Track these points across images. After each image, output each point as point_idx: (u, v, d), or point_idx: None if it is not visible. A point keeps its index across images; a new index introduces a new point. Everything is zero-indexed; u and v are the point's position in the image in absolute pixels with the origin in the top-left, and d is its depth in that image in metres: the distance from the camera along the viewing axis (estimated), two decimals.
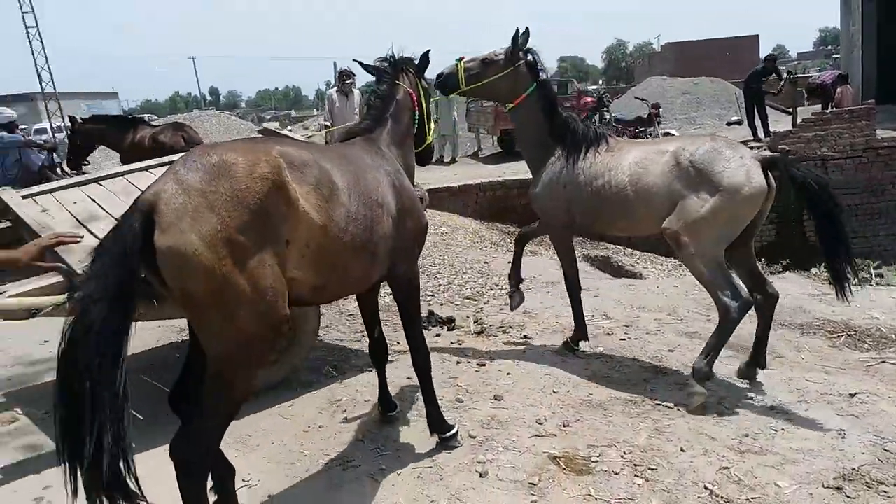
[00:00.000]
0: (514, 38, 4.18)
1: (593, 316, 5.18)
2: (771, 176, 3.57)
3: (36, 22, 24.09)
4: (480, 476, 2.94)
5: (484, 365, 4.22)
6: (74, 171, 8.49)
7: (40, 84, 25.29)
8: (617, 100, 22.28)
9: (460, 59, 4.33)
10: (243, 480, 2.97)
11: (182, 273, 1.95)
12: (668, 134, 13.75)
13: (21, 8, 22.91)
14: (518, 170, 13.21)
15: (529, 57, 4.21)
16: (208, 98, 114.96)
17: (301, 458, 3.18)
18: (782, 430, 3.35)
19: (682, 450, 3.15)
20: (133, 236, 1.92)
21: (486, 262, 6.99)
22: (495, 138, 17.15)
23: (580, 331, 4.48)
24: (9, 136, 8.08)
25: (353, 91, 9.36)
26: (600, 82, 64.05)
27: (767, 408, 3.60)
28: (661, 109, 14.31)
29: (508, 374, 4.07)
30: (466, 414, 3.55)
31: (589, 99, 18.01)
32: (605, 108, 17.99)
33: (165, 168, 2.51)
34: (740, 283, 3.70)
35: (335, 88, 9.70)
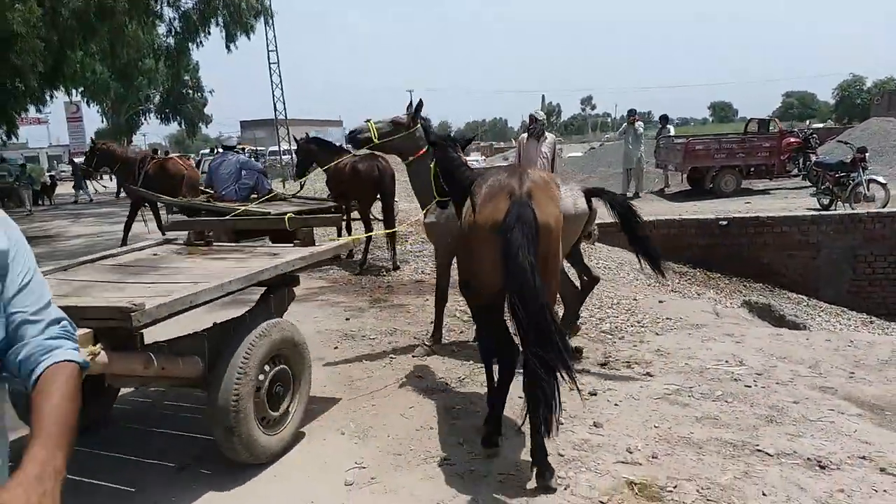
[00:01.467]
0: (417, 108, 5.23)
1: (726, 361, 5.15)
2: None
3: (277, 59, 27.73)
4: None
5: (595, 394, 4.46)
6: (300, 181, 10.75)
7: (275, 112, 29.03)
8: (831, 141, 20.45)
9: (369, 120, 5.35)
10: (355, 463, 3.57)
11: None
12: (874, 181, 12.57)
13: (268, 47, 26.53)
14: (702, 209, 12.91)
15: (423, 123, 5.22)
16: None
17: (407, 452, 3.70)
18: (884, 491, 3.24)
19: (763, 493, 3.20)
20: (532, 213, 3.17)
21: (635, 299, 7.09)
22: (684, 176, 16.74)
23: (437, 333, 5.49)
24: (252, 162, 9.61)
25: (544, 135, 8.94)
26: (828, 121, 58.65)
27: (877, 468, 3.47)
28: (867, 154, 13.10)
29: (616, 404, 4.28)
30: (563, 436, 3.83)
31: (793, 140, 16.89)
32: (811, 150, 16.79)
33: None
34: None
35: (527, 132, 9.75)
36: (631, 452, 3.65)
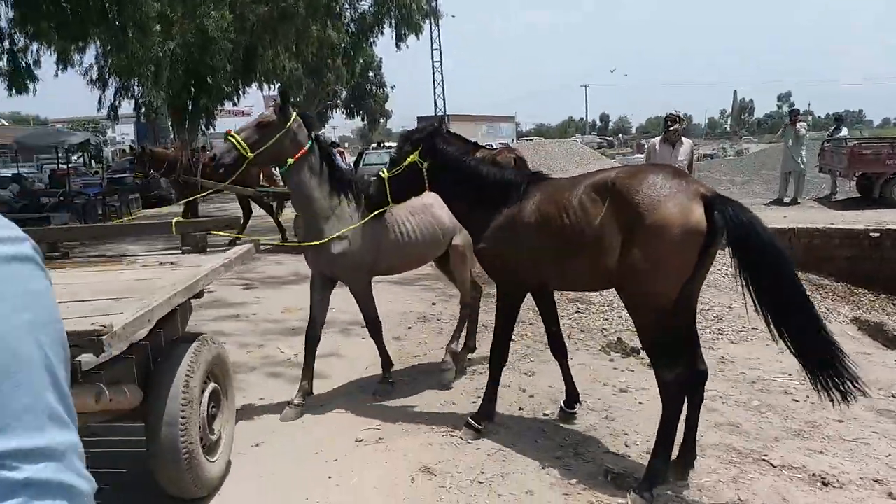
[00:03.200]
0: (282, 97, 4.20)
1: (790, 375, 4.95)
2: None
3: (441, 57, 28.93)
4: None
5: (625, 392, 4.57)
6: None
7: (435, 109, 30.28)
8: None
9: (227, 133, 4.21)
10: (373, 425, 4.05)
11: None
12: None
13: (431, 46, 27.78)
14: (861, 219, 11.85)
15: (299, 112, 4.22)
16: (598, 124, 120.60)
17: (422, 422, 4.11)
18: None
19: (739, 499, 3.22)
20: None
21: (729, 307, 6.86)
22: (852, 182, 15.25)
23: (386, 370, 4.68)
24: (340, 161, 10.40)
25: (680, 140, 7.87)
26: None
27: (886, 493, 3.32)
28: None
29: (639, 402, 4.39)
30: (571, 425, 4.04)
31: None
32: None
33: None
34: None
35: (660, 137, 8.39)
36: (627, 447, 3.78)
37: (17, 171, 18.97)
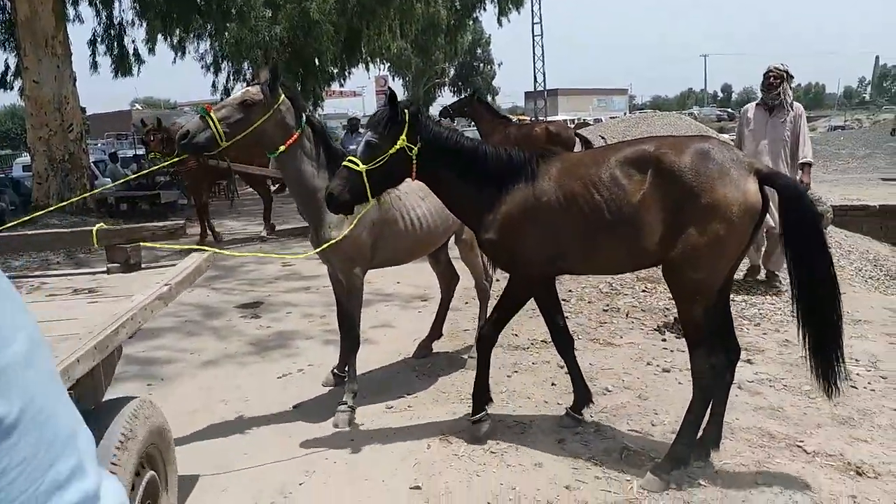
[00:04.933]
0: (274, 70, 3.68)
1: (857, 360, 4.64)
2: None
3: (542, 31, 28.41)
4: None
5: (668, 371, 4.46)
6: None
7: (534, 84, 29.83)
8: None
9: (206, 111, 3.55)
10: (407, 392, 4.20)
11: None
12: None
13: (532, 20, 27.36)
14: None
15: (287, 92, 3.73)
16: (719, 95, 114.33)
17: (451, 392, 4.24)
18: None
19: (756, 483, 3.11)
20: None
21: None
22: None
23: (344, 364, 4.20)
24: None
25: (782, 104, 5.95)
26: None
27: None
28: None
29: (679, 382, 4.28)
30: (601, 400, 4.01)
31: None
32: None
33: None
34: None
35: (756, 101, 6.41)
36: (654, 426, 3.72)
37: (136, 153, 20.33)
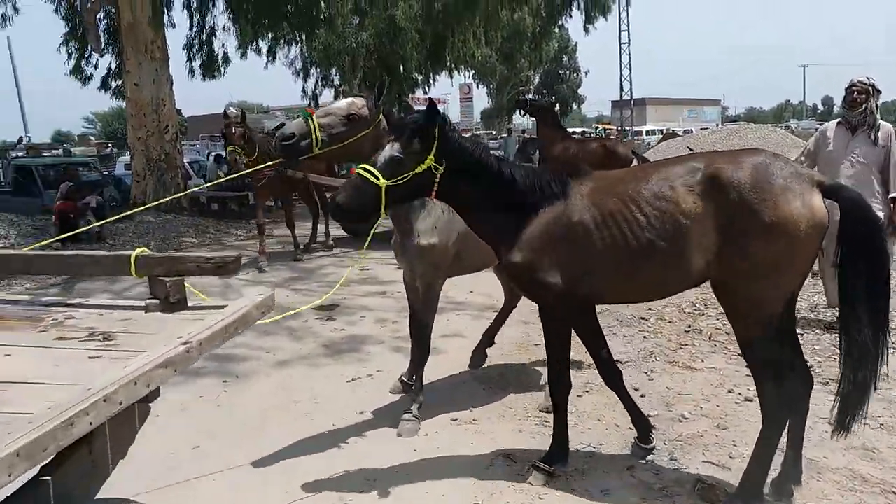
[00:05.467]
0: (381, 86, 3.64)
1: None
2: None
3: (629, 38, 27.80)
4: None
5: (750, 401, 4.22)
6: None
7: (620, 93, 29.18)
8: None
9: (306, 110, 3.56)
10: (472, 406, 4.14)
11: None
12: None
13: (619, 27, 26.81)
14: None
15: (384, 109, 3.67)
16: (819, 108, 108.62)
17: (519, 409, 4.16)
18: None
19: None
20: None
21: None
22: None
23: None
24: None
25: (866, 124, 5.24)
26: None
27: None
28: None
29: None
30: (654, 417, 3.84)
31: None
32: None
33: None
34: None
35: (837, 120, 5.64)
36: (732, 458, 3.51)
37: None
